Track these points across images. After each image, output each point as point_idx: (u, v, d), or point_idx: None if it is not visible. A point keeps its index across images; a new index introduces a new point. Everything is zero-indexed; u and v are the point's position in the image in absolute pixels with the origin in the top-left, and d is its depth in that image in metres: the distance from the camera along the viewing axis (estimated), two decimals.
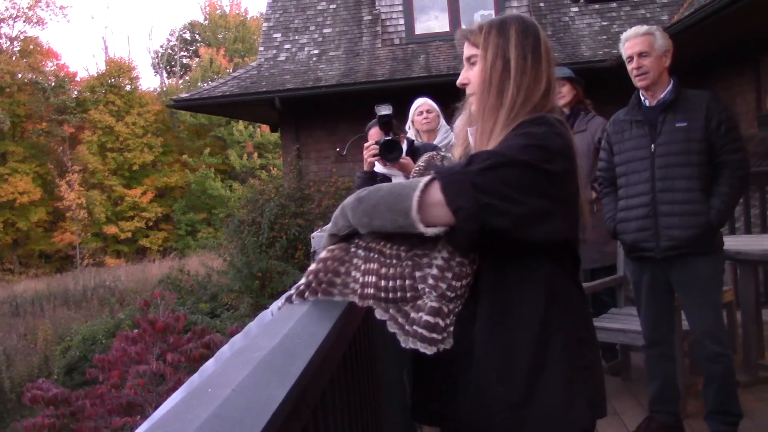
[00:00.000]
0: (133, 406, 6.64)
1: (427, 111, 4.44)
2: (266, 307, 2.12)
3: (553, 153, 1.49)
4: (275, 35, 12.36)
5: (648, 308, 3.43)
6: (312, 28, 12.37)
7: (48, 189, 30.96)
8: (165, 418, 0.86)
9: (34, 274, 28.37)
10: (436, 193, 1.39)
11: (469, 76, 1.73)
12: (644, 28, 3.28)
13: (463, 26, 1.80)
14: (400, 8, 11.88)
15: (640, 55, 3.22)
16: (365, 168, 3.52)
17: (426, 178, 1.41)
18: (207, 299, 13.48)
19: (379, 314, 1.43)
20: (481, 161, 1.41)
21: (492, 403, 1.54)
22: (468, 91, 1.74)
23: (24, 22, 34.13)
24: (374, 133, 3.53)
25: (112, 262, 29.76)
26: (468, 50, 1.73)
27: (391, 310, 1.43)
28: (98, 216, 30.69)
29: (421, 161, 1.76)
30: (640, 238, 3.28)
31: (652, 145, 3.23)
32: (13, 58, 32.89)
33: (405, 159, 3.36)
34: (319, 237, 3.98)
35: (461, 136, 1.82)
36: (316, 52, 11.93)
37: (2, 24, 33.83)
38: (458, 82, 1.75)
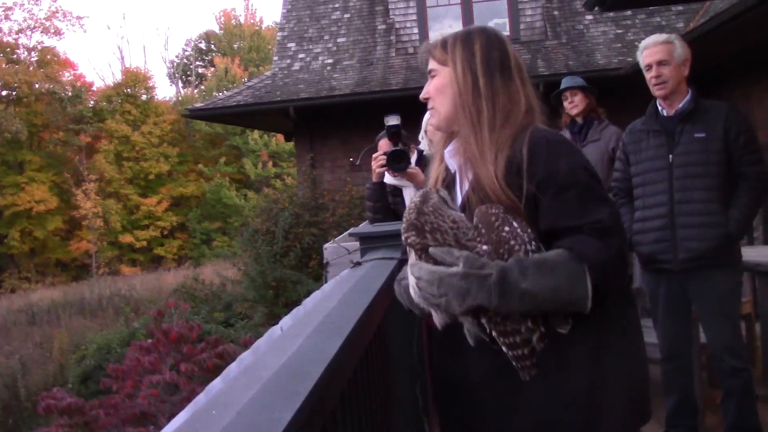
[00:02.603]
0: (147, 416, 6.63)
1: None
2: (279, 318, 2.10)
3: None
4: (289, 45, 12.40)
5: (665, 321, 3.37)
6: (326, 37, 12.39)
7: (64, 198, 31.18)
8: None
9: (51, 282, 28.54)
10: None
11: (429, 90, 1.70)
12: (663, 36, 3.24)
13: None
14: (414, 17, 11.88)
15: (659, 63, 3.17)
16: (374, 179, 3.50)
17: (588, 282, 1.42)
18: (221, 308, 13.50)
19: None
20: (610, 231, 1.47)
21: (553, 428, 1.51)
22: (429, 105, 1.71)
23: (41, 32, 34.44)
24: (384, 144, 3.51)
25: (127, 270, 29.88)
26: (430, 64, 1.71)
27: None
28: (114, 225, 30.87)
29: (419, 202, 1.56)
30: (657, 250, 3.23)
31: (670, 156, 3.18)
32: (31, 68, 33.20)
33: (413, 169, 3.33)
34: (332, 248, 3.97)
35: (439, 155, 1.77)
36: (330, 61, 11.95)
37: (20, 35, 34.19)
38: (421, 96, 1.73)
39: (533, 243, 1.47)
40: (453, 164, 1.70)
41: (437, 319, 1.49)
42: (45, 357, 16.87)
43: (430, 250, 1.45)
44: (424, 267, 1.45)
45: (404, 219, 1.53)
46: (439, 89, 1.66)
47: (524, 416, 1.52)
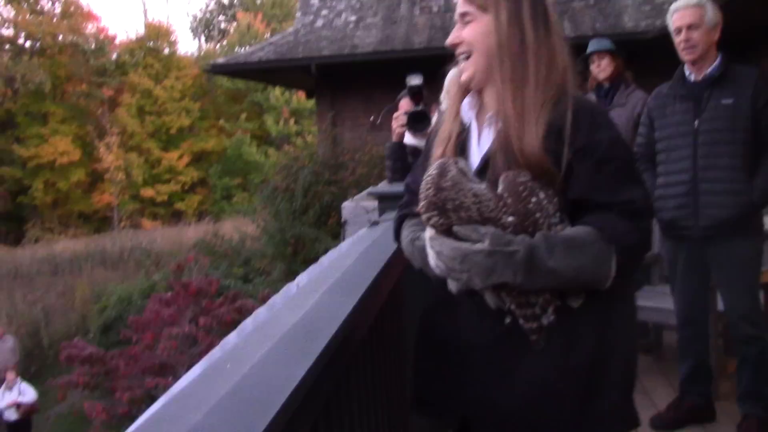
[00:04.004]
0: (166, 367, 6.76)
1: None
2: (297, 274, 2.11)
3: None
4: (313, 1, 12.26)
5: (683, 288, 3.35)
6: None
7: (87, 150, 31.39)
8: (183, 394, 0.85)
9: (73, 234, 28.90)
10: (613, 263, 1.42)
11: (463, 36, 1.55)
12: None
13: None
14: None
15: (689, 27, 3.10)
16: (394, 139, 3.49)
17: (613, 263, 1.41)
18: (240, 264, 13.63)
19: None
20: (641, 213, 1.47)
21: (548, 400, 1.47)
22: (460, 52, 1.57)
23: None
24: (405, 104, 3.49)
25: (148, 224, 30.17)
26: (463, 6, 1.55)
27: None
28: (136, 178, 31.10)
29: (436, 171, 1.45)
30: (679, 216, 3.20)
31: (696, 121, 3.13)
32: (54, 20, 33.19)
33: None
34: (350, 207, 3.97)
35: (454, 110, 1.64)
36: (353, 18, 11.81)
37: None
38: (448, 41, 1.58)
39: (557, 215, 1.43)
40: (469, 118, 1.60)
41: (452, 285, 1.45)
42: (67, 307, 17.19)
43: (455, 228, 1.39)
44: (446, 242, 1.39)
45: (421, 195, 1.42)
46: (477, 38, 1.52)
47: (522, 384, 1.47)
